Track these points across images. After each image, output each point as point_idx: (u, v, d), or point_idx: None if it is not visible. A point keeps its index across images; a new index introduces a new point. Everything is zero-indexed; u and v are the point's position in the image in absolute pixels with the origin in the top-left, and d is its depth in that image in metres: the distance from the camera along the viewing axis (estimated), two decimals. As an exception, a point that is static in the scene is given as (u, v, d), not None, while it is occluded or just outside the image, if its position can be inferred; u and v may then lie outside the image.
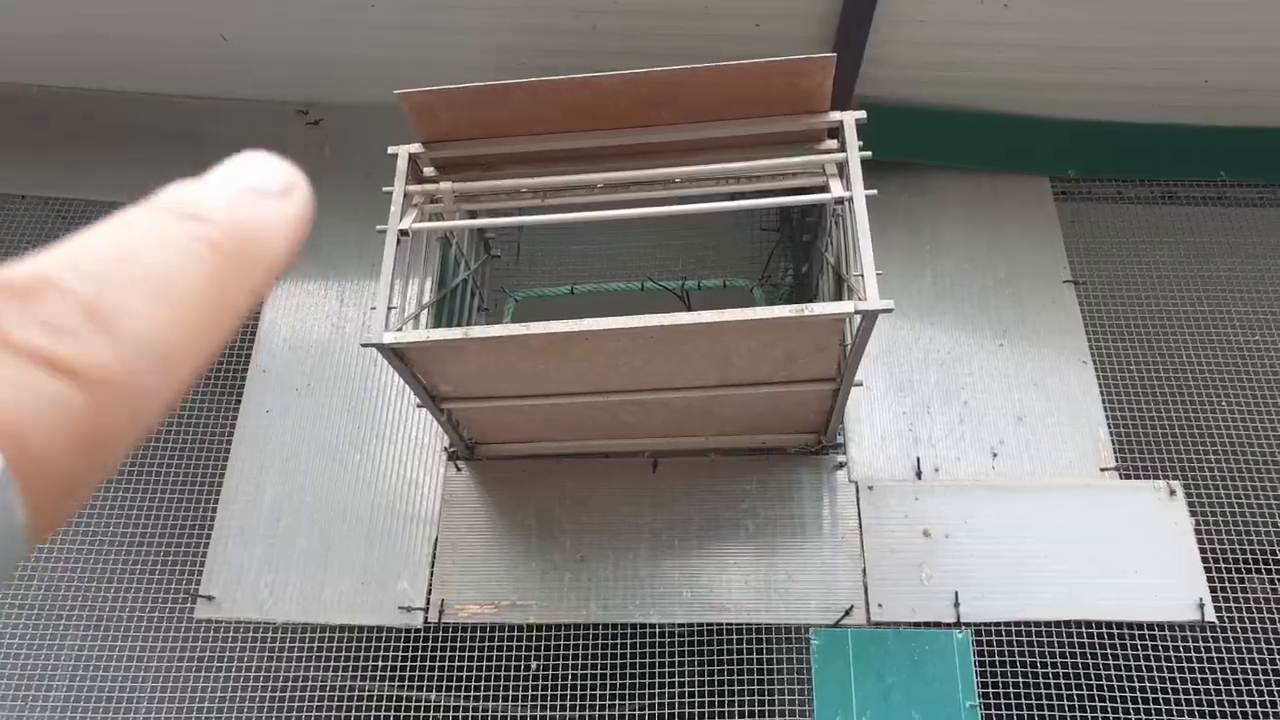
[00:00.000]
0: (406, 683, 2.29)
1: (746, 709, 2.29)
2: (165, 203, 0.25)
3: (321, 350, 2.76)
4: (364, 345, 1.99)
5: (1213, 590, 2.29)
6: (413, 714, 2.27)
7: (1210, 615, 2.25)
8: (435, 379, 2.20)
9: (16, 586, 2.46)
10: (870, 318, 1.90)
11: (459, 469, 2.57)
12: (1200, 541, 2.36)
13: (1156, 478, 2.46)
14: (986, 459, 2.52)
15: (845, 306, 1.90)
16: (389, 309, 2.01)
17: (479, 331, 2.01)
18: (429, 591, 2.38)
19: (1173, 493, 2.43)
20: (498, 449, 2.61)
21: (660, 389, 2.28)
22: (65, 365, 0.19)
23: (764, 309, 1.94)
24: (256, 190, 0.26)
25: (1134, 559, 2.34)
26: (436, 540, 2.46)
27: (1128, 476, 2.49)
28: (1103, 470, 2.49)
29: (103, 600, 2.43)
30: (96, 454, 0.19)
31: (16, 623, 2.43)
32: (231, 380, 2.73)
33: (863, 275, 1.87)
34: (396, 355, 2.04)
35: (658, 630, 2.37)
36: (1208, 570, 2.31)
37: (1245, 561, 2.38)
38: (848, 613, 2.31)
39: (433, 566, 2.42)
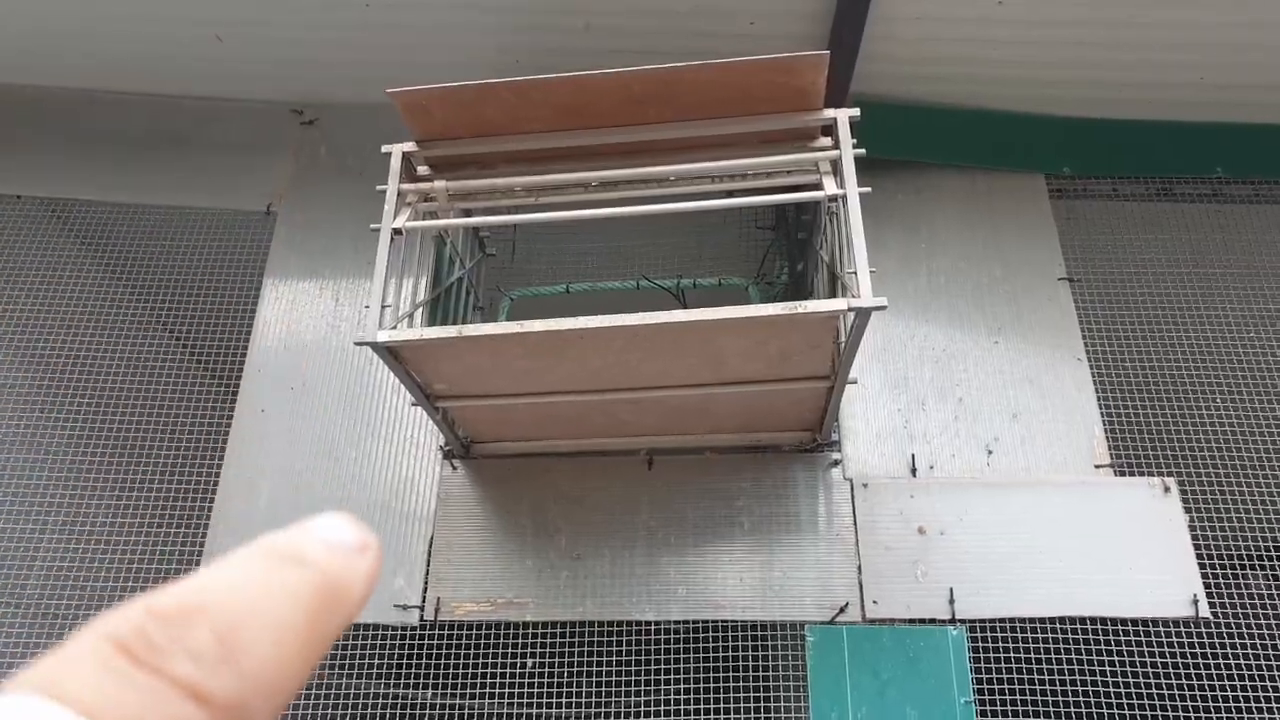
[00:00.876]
0: (403, 681, 2.29)
1: (743, 706, 2.29)
2: (273, 548, 0.28)
3: (316, 349, 2.76)
4: (358, 344, 1.99)
5: (1207, 586, 2.30)
6: (409, 713, 2.27)
7: (1205, 611, 2.25)
8: (430, 377, 2.20)
9: (14, 587, 2.46)
10: (864, 315, 1.91)
11: (454, 467, 2.58)
12: (1194, 538, 2.36)
13: (1151, 474, 2.47)
14: (981, 456, 2.53)
15: (839, 304, 1.90)
16: (383, 307, 2.02)
17: (473, 330, 2.01)
18: (425, 589, 2.38)
19: (1167, 489, 2.43)
20: (493, 447, 2.61)
21: (655, 387, 2.28)
22: (204, 694, 0.23)
23: (758, 307, 1.94)
24: (344, 546, 0.29)
25: (1128, 555, 2.35)
26: (432, 538, 2.46)
27: (1122, 473, 2.49)
28: (1097, 467, 2.49)
29: (99, 600, 2.43)
30: None
31: (13, 622, 2.43)
32: (227, 379, 2.73)
33: (856, 273, 1.87)
34: (391, 354, 2.04)
35: (654, 627, 2.37)
36: (1202, 566, 2.32)
37: (1239, 558, 2.38)
38: (843, 610, 2.31)
39: (428, 565, 2.42)
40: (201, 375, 2.80)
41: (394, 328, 2.04)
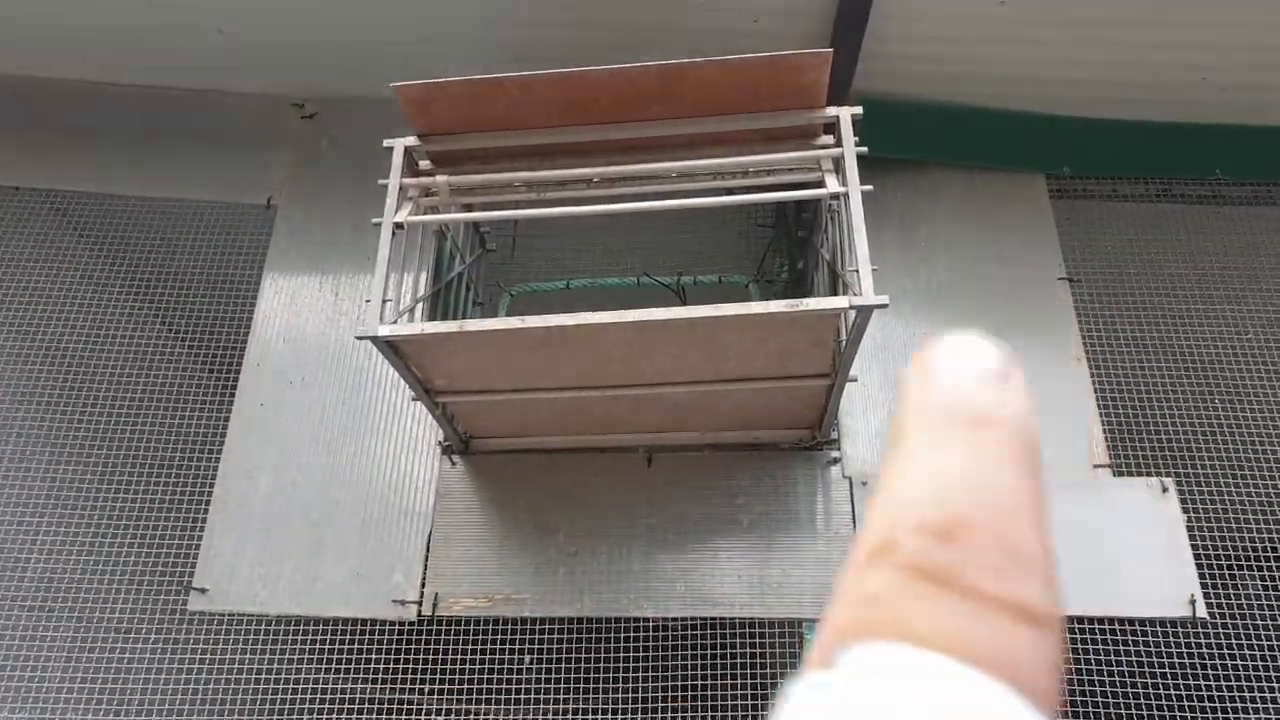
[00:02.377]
0: (399, 676, 2.29)
1: (740, 703, 2.30)
2: (945, 414, 0.25)
3: (316, 343, 2.75)
4: (359, 338, 1.99)
5: (1204, 587, 2.30)
6: (407, 710, 2.27)
7: (1201, 611, 2.26)
8: (430, 372, 2.20)
9: (11, 580, 2.46)
10: (865, 313, 1.91)
11: (453, 463, 2.57)
12: (1192, 538, 2.37)
13: (1149, 474, 2.47)
14: (980, 455, 2.52)
15: (840, 302, 1.90)
16: (384, 301, 2.01)
17: (474, 325, 2.01)
18: (422, 584, 2.38)
19: (1165, 489, 2.44)
20: (492, 443, 2.61)
21: (655, 384, 2.28)
22: (1026, 611, 0.21)
23: (759, 304, 1.94)
24: (998, 374, 0.26)
25: (1126, 555, 2.35)
26: (430, 534, 2.46)
27: (1121, 473, 2.49)
28: (1095, 467, 2.50)
29: (95, 593, 2.43)
30: (1059, 681, 0.22)
31: (10, 614, 2.43)
32: (225, 373, 2.73)
33: (858, 271, 1.88)
34: (391, 348, 2.04)
35: (652, 625, 2.37)
36: (1199, 567, 2.32)
37: (1237, 558, 2.39)
38: (841, 608, 2.31)
39: (426, 560, 2.42)
40: (200, 369, 2.80)
41: (394, 322, 2.04)
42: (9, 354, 2.80)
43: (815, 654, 0.22)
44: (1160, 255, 2.88)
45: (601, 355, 2.14)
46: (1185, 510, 2.41)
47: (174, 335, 2.84)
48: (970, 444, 0.24)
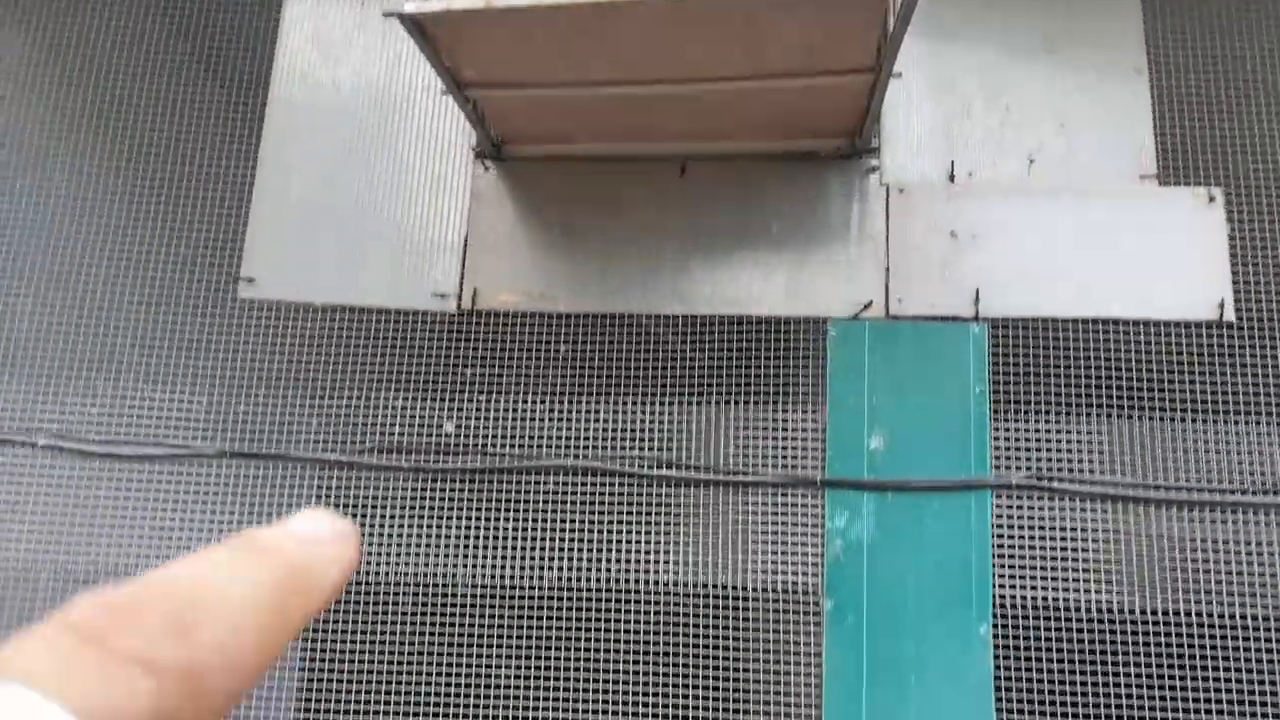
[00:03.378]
0: (443, 362, 2.42)
1: (761, 399, 2.40)
2: (241, 541, 0.30)
3: (345, 46, 2.69)
4: (385, 14, 1.95)
5: (1236, 294, 2.30)
6: (447, 390, 2.41)
7: (1230, 316, 2.27)
8: (459, 60, 2.15)
9: (74, 278, 2.57)
10: (913, -12, 1.81)
11: (486, 168, 2.58)
12: (1232, 249, 2.34)
13: (1199, 184, 2.41)
14: (1023, 164, 2.47)
15: (888, -28, 1.80)
16: (410, -24, 1.94)
17: (503, 2, 1.94)
18: (461, 280, 2.46)
19: (1211, 199, 2.38)
20: (525, 150, 2.60)
21: (692, 79, 2.22)
22: (150, 662, 0.24)
23: (800, -25, 1.84)
24: (316, 536, 0.31)
25: (1161, 262, 2.34)
26: (467, 235, 2.51)
27: (1168, 184, 2.43)
28: (1142, 177, 2.43)
29: (152, 288, 2.54)
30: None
31: (76, 308, 2.56)
32: (256, 76, 2.70)
33: (907, -68, 1.75)
34: (418, 29, 1.99)
35: (680, 321, 2.45)
36: (1235, 275, 2.31)
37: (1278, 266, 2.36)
38: (867, 306, 2.36)
39: (464, 259, 2.48)
40: (228, 75, 2.76)
41: (422, -2, 1.97)
42: (50, 78, 2.77)
43: None
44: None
45: (634, 41, 2.07)
46: (1230, 220, 2.36)
47: (196, 46, 2.78)
48: (233, 560, 0.29)
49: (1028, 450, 2.27)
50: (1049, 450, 2.27)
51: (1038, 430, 2.28)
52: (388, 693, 2.35)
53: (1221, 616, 2.16)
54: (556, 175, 2.58)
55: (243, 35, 2.77)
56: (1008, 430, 2.29)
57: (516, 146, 2.59)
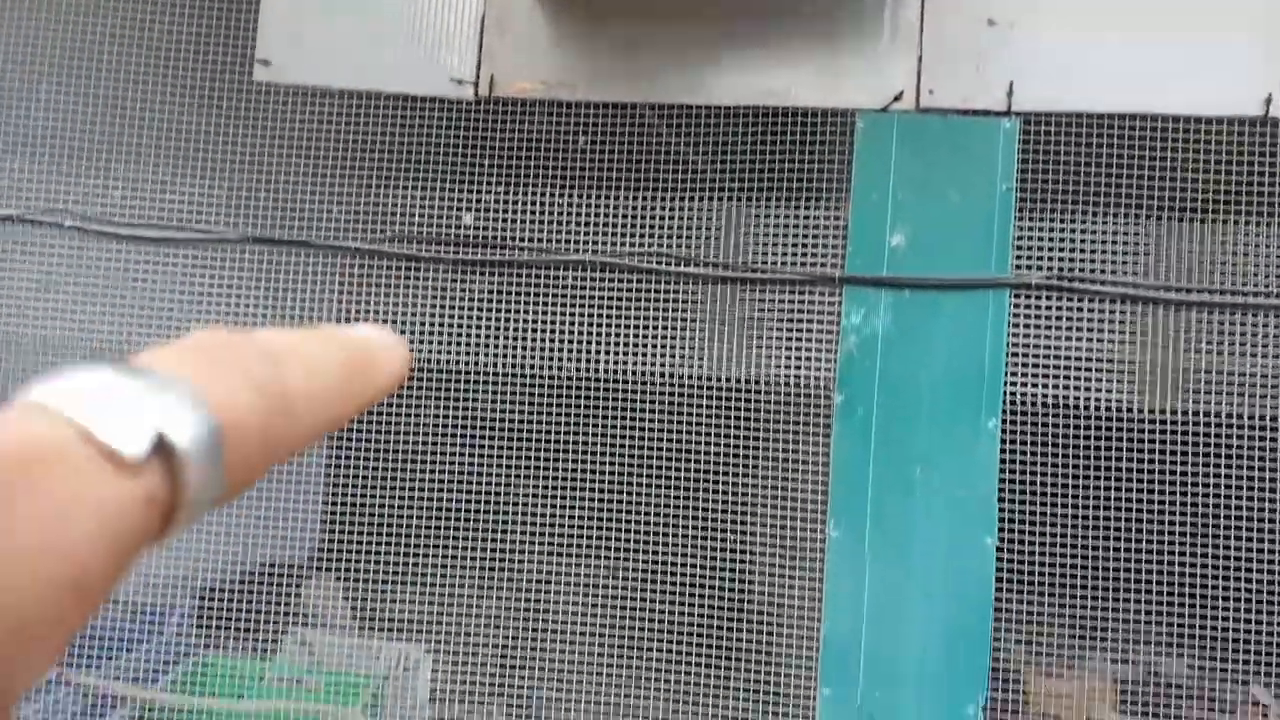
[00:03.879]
0: (461, 152, 2.39)
1: (785, 194, 2.37)
2: (325, 331, 0.35)
3: None
4: None
5: (1286, 91, 2.19)
6: (466, 179, 2.40)
7: (1276, 111, 2.18)
8: None
9: (89, 61, 2.52)
10: None
11: (505, -53, 2.46)
12: (1286, 41, 2.22)
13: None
14: (1072, -54, 2.32)
15: None
16: None
17: None
18: (478, 67, 2.39)
19: (1268, -15, 2.24)
20: (546, -74, 2.46)
21: None
22: (252, 378, 0.29)
23: None
24: (377, 337, 0.37)
25: (1207, 56, 2.22)
26: (484, 17, 2.42)
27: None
28: (1197, -38, 2.28)
29: (168, 71, 2.50)
30: (269, 446, 0.30)
31: (92, 91, 2.53)
32: None
33: None
34: None
35: (705, 112, 2.39)
36: (1287, 72, 2.20)
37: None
38: (897, 98, 2.28)
39: (481, 42, 2.40)
40: None
41: None
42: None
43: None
44: None
45: None
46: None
47: None
48: (318, 341, 0.34)
49: (1050, 250, 2.24)
50: (1072, 250, 2.24)
51: (1062, 229, 2.24)
52: (409, 480, 2.46)
53: (1230, 416, 2.19)
54: (577, -43, 2.46)
55: None
56: (1031, 229, 2.25)
57: (535, -76, 2.46)
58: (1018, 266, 2.25)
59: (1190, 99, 2.21)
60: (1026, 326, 2.25)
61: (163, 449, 0.25)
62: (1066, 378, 2.23)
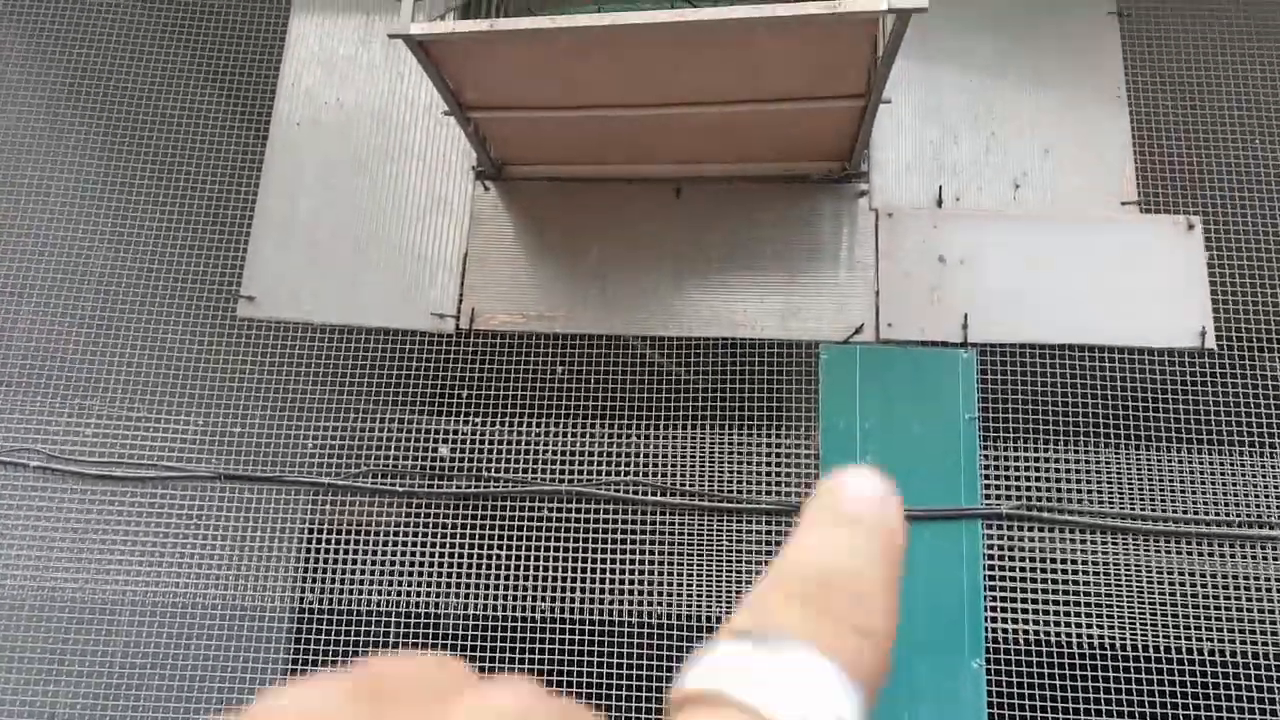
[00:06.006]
0: (441, 383, 2.43)
1: (756, 421, 2.43)
2: (835, 512, 0.34)
3: (349, 64, 2.73)
4: (391, 36, 1.98)
5: (1217, 322, 2.35)
6: (444, 412, 2.42)
7: (1210, 343, 2.32)
8: (461, 82, 2.19)
9: (72, 295, 2.57)
10: (904, 18, 1.86)
11: (486, 188, 2.61)
12: (1212, 276, 2.40)
13: (1177, 212, 2.47)
14: (1009, 190, 2.53)
15: (879, 2, 1.85)
16: (415, 1, 1.98)
17: (505, 24, 1.98)
18: (459, 300, 2.48)
19: (1191, 226, 2.44)
20: (524, 170, 2.63)
21: (687, 103, 2.27)
22: (867, 628, 0.31)
23: (796, 4, 1.89)
24: (880, 499, 0.35)
25: (1143, 289, 2.39)
26: (466, 254, 2.54)
27: (1149, 211, 2.49)
28: (1124, 204, 2.50)
29: (149, 306, 2.54)
30: (880, 679, 0.30)
31: (73, 326, 2.55)
32: (260, 91, 2.72)
33: (899, -27, 1.81)
34: (423, 50, 2.03)
35: (675, 343, 2.48)
36: (1216, 303, 2.36)
37: (1256, 294, 2.42)
38: (858, 331, 2.40)
39: (463, 278, 2.51)
40: (235, 91, 2.77)
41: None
42: (51, 89, 2.78)
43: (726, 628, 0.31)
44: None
45: (632, 65, 2.11)
46: (1209, 248, 2.42)
47: (204, 57, 2.80)
48: (849, 536, 0.33)
49: (1018, 478, 2.30)
50: (1039, 479, 2.30)
51: (1028, 458, 2.31)
52: None
53: (1211, 653, 2.17)
54: (555, 196, 2.62)
55: (248, 50, 2.79)
56: (999, 458, 2.31)
57: (516, 168, 2.63)
58: (987, 496, 2.29)
59: (1130, 331, 2.35)
60: (1002, 558, 2.25)
61: None
62: (1046, 613, 2.22)
